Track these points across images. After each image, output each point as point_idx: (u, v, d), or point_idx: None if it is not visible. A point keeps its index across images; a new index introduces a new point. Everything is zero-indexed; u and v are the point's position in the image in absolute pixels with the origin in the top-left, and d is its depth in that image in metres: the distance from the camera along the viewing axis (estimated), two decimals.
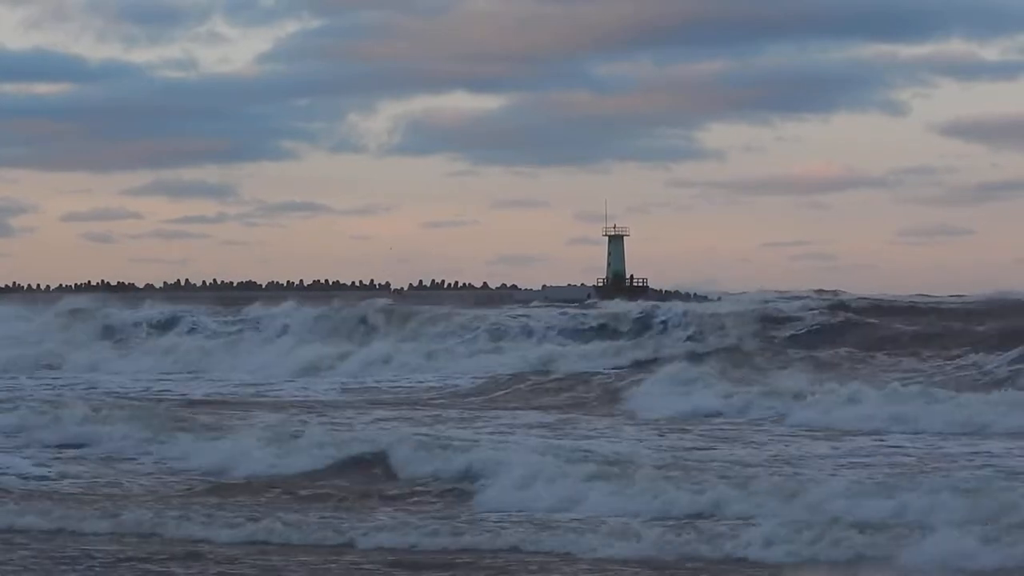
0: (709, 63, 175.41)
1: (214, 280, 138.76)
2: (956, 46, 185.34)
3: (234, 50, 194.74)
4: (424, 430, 26.30)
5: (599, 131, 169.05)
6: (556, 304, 74.67)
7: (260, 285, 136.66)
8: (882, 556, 15.34)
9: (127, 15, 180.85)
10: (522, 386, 40.48)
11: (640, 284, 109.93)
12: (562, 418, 31.14)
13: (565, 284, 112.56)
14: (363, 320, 60.66)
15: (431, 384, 42.96)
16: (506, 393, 38.96)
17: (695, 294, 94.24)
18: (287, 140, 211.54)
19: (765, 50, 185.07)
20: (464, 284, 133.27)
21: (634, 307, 59.50)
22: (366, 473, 21.63)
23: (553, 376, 42.19)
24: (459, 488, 20.05)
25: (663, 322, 55.18)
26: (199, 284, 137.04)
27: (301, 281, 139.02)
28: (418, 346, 54.03)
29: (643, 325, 55.32)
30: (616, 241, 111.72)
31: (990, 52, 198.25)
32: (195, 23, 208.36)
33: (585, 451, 21.79)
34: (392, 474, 21.31)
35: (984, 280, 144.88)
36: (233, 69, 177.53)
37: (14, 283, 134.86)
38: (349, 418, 30.86)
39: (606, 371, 43.24)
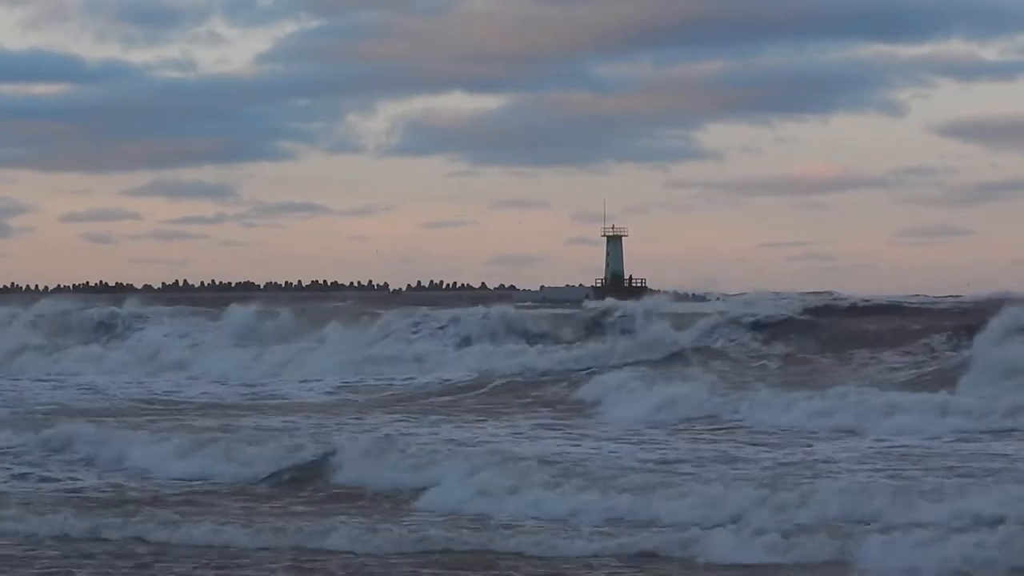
0: (708, 63, 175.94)
1: (213, 281, 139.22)
2: (956, 46, 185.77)
3: (233, 50, 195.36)
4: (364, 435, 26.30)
5: (598, 131, 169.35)
6: (547, 304, 74.72)
7: (258, 286, 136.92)
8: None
9: (126, 15, 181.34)
10: (472, 390, 40.14)
11: (639, 284, 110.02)
12: (511, 421, 30.90)
13: (563, 285, 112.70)
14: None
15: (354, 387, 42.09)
16: (451, 398, 38.54)
17: (693, 294, 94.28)
18: (286, 140, 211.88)
19: (764, 50, 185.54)
20: (463, 284, 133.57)
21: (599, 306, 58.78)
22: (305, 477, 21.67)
23: (497, 381, 41.57)
24: (402, 491, 20.15)
25: (622, 320, 54.74)
26: (198, 284, 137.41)
27: (299, 282, 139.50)
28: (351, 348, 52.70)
29: (599, 325, 54.60)
30: (614, 242, 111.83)
31: (989, 52, 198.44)
32: (194, 23, 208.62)
33: (529, 455, 21.75)
34: (333, 478, 21.35)
35: (984, 280, 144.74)
36: (232, 69, 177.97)
37: (13, 283, 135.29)
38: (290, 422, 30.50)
39: (553, 373, 42.30)
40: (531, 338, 52.32)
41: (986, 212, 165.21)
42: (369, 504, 19.53)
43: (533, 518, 18.05)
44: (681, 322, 50.55)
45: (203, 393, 40.28)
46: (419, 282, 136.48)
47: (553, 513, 18.19)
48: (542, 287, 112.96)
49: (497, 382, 41.00)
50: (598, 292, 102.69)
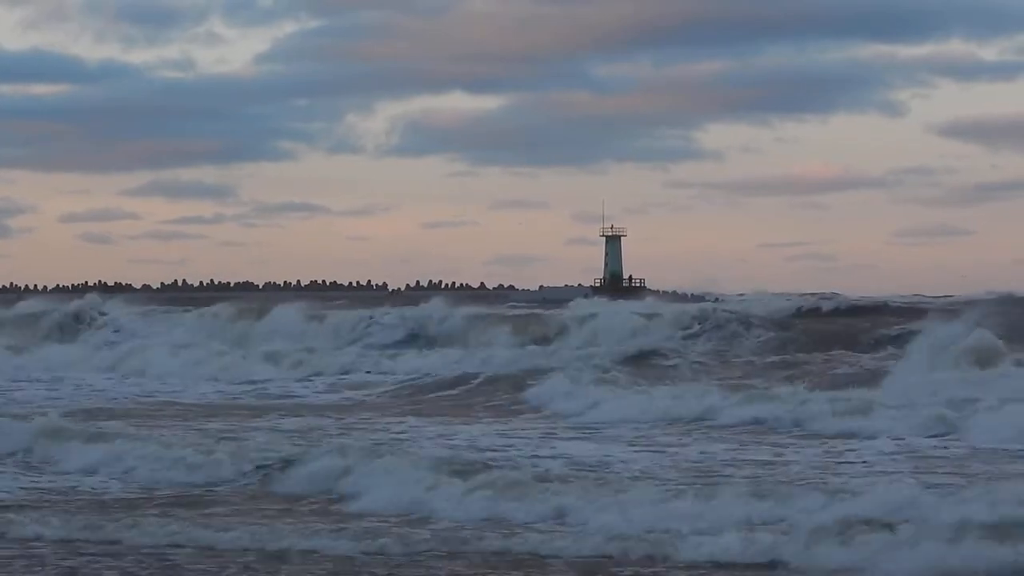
0: (708, 63, 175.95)
1: (212, 281, 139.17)
2: (955, 46, 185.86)
3: (232, 51, 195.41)
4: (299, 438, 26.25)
5: (598, 131, 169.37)
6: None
7: (257, 286, 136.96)
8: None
9: (125, 16, 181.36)
10: (406, 391, 39.95)
11: (638, 284, 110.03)
12: (445, 422, 30.77)
13: (563, 285, 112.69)
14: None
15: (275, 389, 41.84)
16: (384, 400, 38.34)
17: (692, 294, 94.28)
18: (285, 141, 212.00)
19: (764, 50, 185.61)
20: (462, 285, 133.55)
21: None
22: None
23: (440, 378, 41.35)
24: (334, 494, 20.09)
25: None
26: (197, 285, 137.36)
27: (298, 282, 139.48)
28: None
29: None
30: (613, 242, 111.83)
31: (989, 52, 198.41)
32: (193, 24, 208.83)
33: (463, 458, 21.79)
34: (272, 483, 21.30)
35: (983, 281, 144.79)
36: (231, 70, 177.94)
37: (12, 284, 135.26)
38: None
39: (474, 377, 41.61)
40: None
41: (985, 212, 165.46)
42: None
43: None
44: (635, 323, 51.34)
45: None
46: (418, 282, 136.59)
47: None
48: (541, 287, 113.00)
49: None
50: (597, 292, 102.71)
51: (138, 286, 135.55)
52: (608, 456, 23.96)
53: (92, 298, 68.61)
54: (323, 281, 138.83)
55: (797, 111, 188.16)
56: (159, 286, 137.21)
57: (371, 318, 58.64)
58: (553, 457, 23.77)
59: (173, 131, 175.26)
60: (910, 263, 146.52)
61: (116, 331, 62.65)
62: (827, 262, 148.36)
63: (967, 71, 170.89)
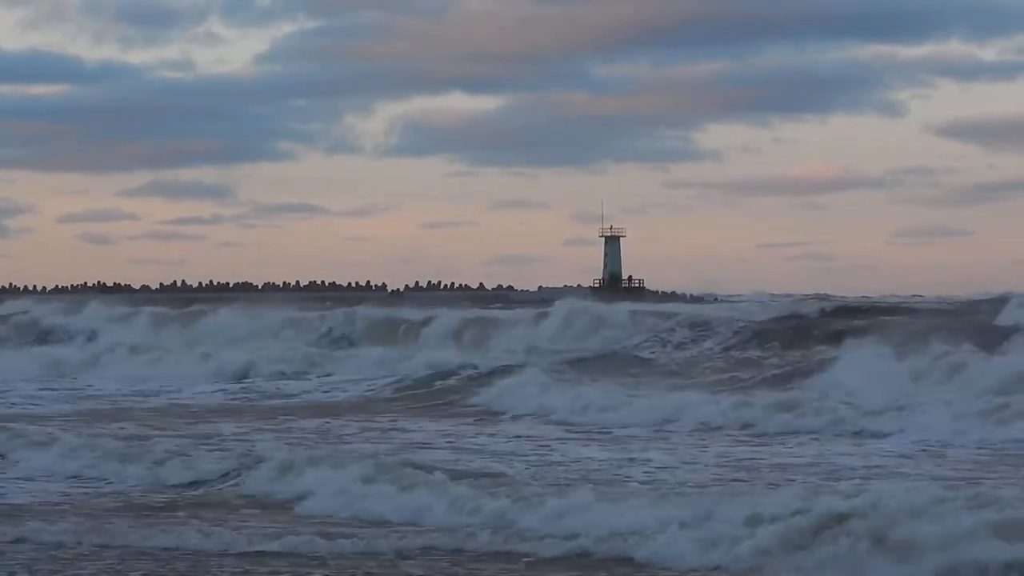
0: (707, 64, 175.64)
1: (211, 281, 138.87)
2: (954, 47, 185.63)
3: (231, 51, 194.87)
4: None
5: (597, 132, 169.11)
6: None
7: (256, 286, 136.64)
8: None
9: (124, 16, 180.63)
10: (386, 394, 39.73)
11: (637, 285, 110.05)
12: (391, 425, 30.68)
13: (562, 285, 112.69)
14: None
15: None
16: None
17: (691, 295, 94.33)
18: (284, 141, 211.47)
19: (763, 51, 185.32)
20: (461, 285, 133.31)
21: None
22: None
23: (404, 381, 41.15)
24: (282, 497, 19.99)
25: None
26: (196, 285, 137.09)
27: (297, 282, 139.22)
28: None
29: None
30: (612, 242, 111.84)
31: (988, 53, 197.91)
32: (192, 24, 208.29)
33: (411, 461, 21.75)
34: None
35: (982, 281, 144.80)
36: (230, 70, 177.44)
37: (11, 284, 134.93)
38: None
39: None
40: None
41: (985, 212, 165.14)
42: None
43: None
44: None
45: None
46: (417, 282, 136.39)
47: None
48: (540, 287, 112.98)
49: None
50: (596, 293, 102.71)
51: (137, 286, 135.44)
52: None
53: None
54: (322, 282, 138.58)
55: (796, 111, 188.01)
56: (158, 286, 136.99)
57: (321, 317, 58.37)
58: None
59: (172, 131, 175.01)
60: (909, 263, 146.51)
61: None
62: (826, 262, 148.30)
63: (966, 71, 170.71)
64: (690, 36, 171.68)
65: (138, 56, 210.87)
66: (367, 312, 58.30)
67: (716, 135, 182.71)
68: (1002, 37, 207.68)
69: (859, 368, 34.29)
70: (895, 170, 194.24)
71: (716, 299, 74.62)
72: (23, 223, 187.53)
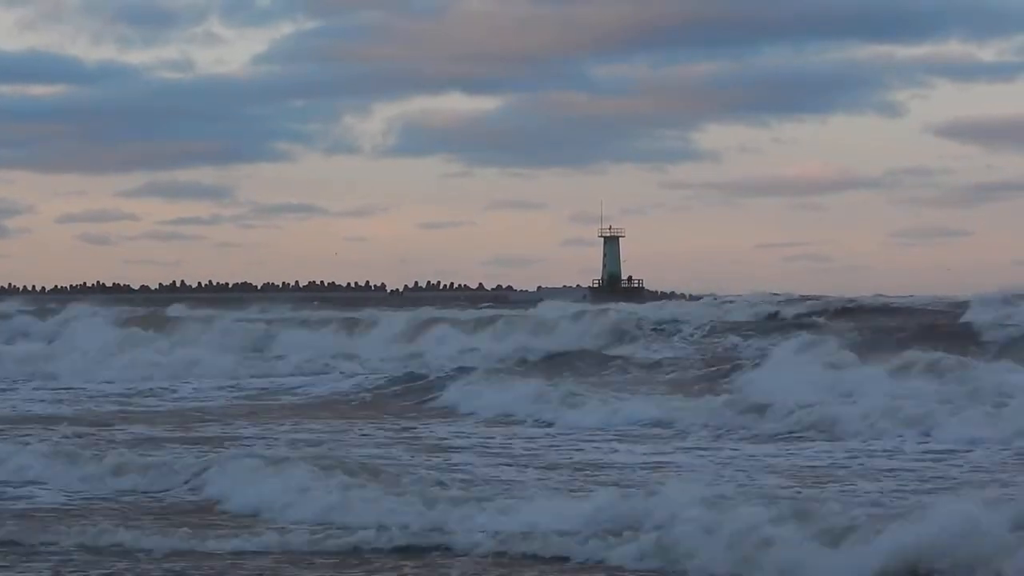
0: (706, 64, 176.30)
1: (209, 282, 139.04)
2: (953, 47, 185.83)
3: (230, 51, 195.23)
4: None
5: (595, 132, 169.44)
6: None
7: (255, 287, 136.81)
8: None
9: (123, 16, 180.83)
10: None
11: (636, 285, 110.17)
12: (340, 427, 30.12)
13: (561, 286, 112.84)
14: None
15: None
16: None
17: (690, 295, 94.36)
18: (283, 141, 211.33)
19: (762, 51, 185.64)
20: (459, 285, 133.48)
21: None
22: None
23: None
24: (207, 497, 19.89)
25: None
26: (195, 286, 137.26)
27: (296, 283, 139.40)
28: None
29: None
30: (611, 243, 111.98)
31: (987, 53, 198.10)
32: (191, 24, 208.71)
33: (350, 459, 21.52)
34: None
35: (981, 281, 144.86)
36: (229, 70, 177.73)
37: (10, 284, 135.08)
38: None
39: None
40: None
41: (983, 213, 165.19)
42: None
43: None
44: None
45: None
46: (416, 283, 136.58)
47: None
48: (539, 288, 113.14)
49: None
50: (595, 293, 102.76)
51: (136, 287, 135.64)
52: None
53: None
54: (321, 282, 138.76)
55: (795, 112, 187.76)
56: (157, 287, 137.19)
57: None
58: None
59: (171, 132, 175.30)
60: (908, 263, 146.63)
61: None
62: (825, 263, 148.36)
63: (965, 72, 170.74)
64: (689, 37, 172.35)
65: (137, 56, 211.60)
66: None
67: (715, 135, 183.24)
68: (1001, 37, 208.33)
69: (782, 369, 34.16)
70: (894, 170, 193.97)
71: (716, 299, 74.64)
72: (22, 223, 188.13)
